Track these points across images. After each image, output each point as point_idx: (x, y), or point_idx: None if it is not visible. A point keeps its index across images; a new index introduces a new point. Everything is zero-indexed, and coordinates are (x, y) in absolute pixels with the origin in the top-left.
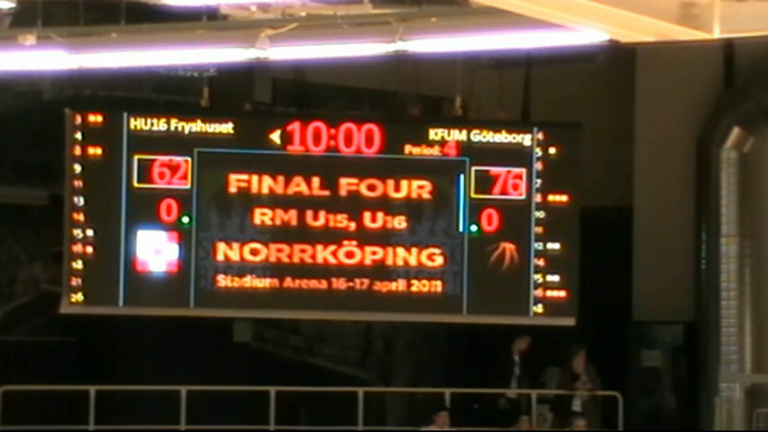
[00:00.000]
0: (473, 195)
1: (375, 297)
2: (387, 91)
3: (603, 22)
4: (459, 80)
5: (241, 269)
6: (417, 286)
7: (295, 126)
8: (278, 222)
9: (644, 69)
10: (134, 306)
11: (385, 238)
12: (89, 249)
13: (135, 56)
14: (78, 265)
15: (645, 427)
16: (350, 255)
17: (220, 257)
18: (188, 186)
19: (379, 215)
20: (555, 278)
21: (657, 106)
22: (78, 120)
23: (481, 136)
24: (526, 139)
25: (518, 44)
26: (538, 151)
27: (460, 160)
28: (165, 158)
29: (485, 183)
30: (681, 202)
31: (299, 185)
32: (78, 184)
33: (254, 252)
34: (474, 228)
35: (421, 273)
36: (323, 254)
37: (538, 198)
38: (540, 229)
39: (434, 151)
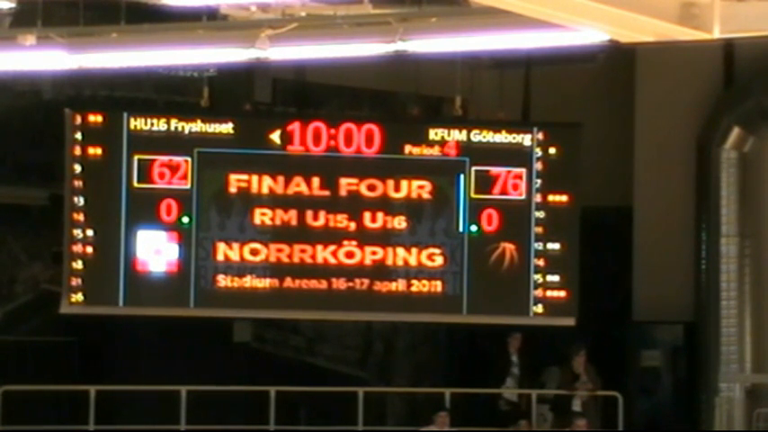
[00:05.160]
0: (473, 195)
1: (375, 297)
2: (387, 91)
3: (603, 22)
4: (459, 80)
5: (241, 269)
6: (417, 286)
7: (295, 126)
8: (278, 222)
9: (644, 69)
10: (134, 306)
11: (385, 238)
12: (89, 249)
13: (135, 56)
14: (78, 265)
15: (645, 427)
16: (350, 255)
17: (220, 257)
18: (188, 186)
19: (379, 215)
20: (555, 278)
21: (657, 106)
22: (78, 120)
23: (481, 136)
24: (526, 139)
25: (518, 44)
26: (538, 151)
27: (460, 160)
28: (165, 158)
29: (485, 183)
30: (681, 202)
31: (299, 185)
32: (78, 184)
33: (254, 252)
34: (474, 228)
35: (421, 273)
36: (323, 254)
37: (538, 198)
38: (540, 229)
39: (434, 151)
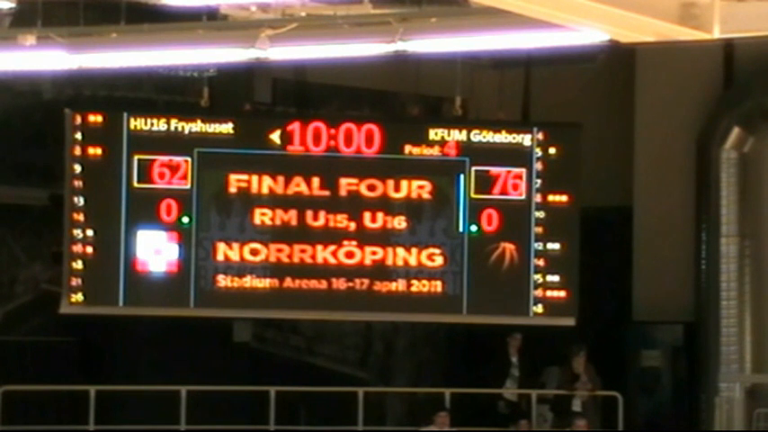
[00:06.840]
0: (473, 195)
1: (375, 297)
2: (387, 91)
3: (603, 22)
4: (459, 80)
5: (241, 269)
6: (417, 286)
7: (295, 126)
8: (278, 222)
9: (644, 69)
10: (134, 306)
11: (385, 238)
12: (89, 249)
13: (135, 56)
14: (78, 265)
15: (645, 427)
16: (350, 255)
17: (220, 257)
18: (188, 186)
19: (379, 215)
20: (555, 278)
21: (657, 106)
22: (78, 120)
23: (481, 136)
24: (526, 140)
25: (518, 44)
26: (538, 151)
27: (460, 160)
28: (165, 158)
29: (485, 183)
30: (681, 202)
31: (298, 185)
32: (78, 184)
33: (254, 252)
34: (474, 228)
35: (421, 273)
36: (323, 254)
37: (538, 198)
38: (540, 229)
39: (434, 151)
